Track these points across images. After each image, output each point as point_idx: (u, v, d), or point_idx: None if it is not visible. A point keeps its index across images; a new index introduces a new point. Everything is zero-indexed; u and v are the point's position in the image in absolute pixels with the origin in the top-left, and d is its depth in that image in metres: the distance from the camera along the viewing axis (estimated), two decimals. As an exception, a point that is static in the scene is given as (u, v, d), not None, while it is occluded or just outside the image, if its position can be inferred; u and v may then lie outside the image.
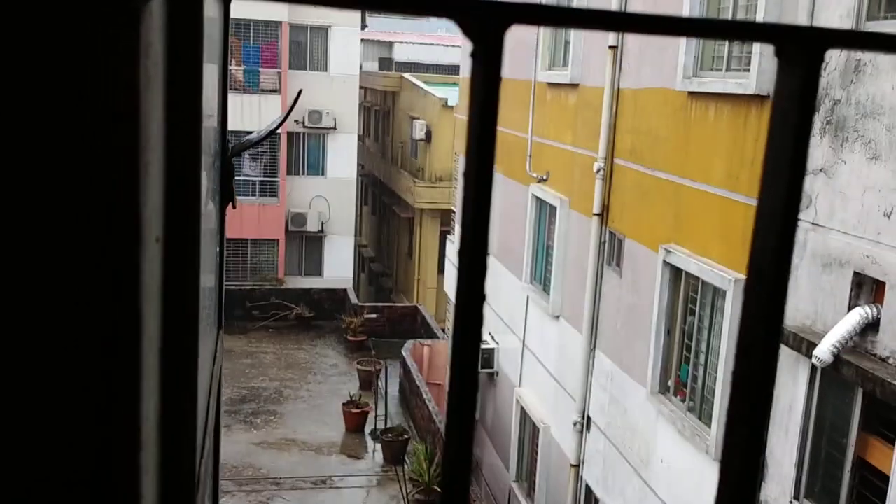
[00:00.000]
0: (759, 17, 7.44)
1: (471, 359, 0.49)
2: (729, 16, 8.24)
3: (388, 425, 17.75)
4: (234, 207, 1.68)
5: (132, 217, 0.50)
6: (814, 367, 6.56)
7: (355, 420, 18.16)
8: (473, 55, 0.48)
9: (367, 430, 18.11)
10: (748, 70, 7.73)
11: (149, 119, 0.53)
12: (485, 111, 0.48)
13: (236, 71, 25.57)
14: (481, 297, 0.48)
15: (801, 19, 6.90)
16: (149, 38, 0.52)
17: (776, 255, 0.55)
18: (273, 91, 25.63)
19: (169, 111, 0.65)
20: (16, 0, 0.47)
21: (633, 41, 10.13)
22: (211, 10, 1.22)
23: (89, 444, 0.53)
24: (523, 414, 13.51)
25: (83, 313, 0.50)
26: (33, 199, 0.48)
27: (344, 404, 18.41)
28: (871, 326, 6.08)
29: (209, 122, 1.40)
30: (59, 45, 0.47)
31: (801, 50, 0.51)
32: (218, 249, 1.55)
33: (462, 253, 0.47)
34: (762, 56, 7.41)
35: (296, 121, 26.04)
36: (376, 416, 18.02)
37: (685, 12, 8.65)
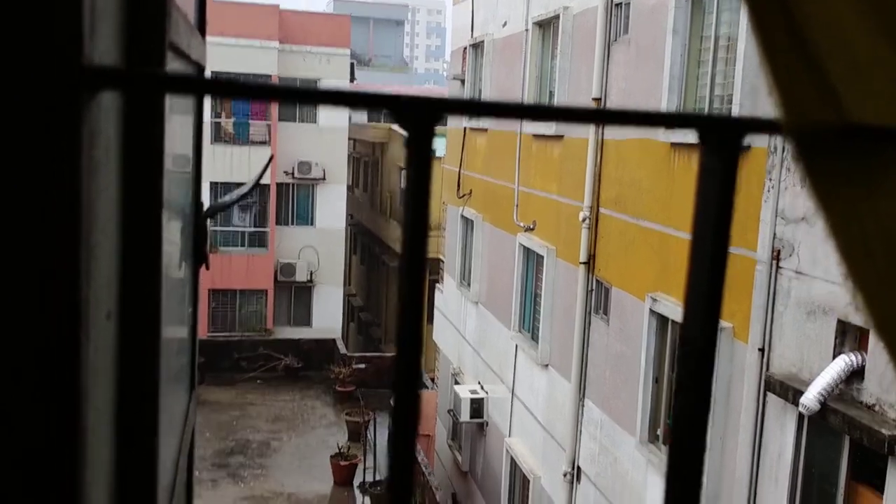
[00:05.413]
0: (737, 95, 7.58)
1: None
2: (707, 83, 8.39)
3: (378, 478, 17.53)
4: (207, 269, 1.69)
5: (72, 296, 0.52)
6: (801, 416, 6.56)
7: (344, 472, 17.92)
8: (407, 144, 0.51)
9: (356, 482, 17.87)
10: (729, 121, 7.84)
11: (94, 202, 0.55)
12: (418, 193, 0.51)
13: (226, 123, 25.76)
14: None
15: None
16: (97, 127, 0.54)
17: (704, 331, 0.57)
18: (262, 143, 25.83)
19: (126, 192, 0.67)
20: None
21: (616, 94, 10.29)
22: (185, 67, 1.26)
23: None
24: (513, 464, 13.38)
25: (15, 394, 0.51)
26: None
27: (332, 456, 18.19)
28: (857, 374, 6.10)
29: (182, 184, 1.42)
30: None
31: (721, 136, 0.54)
32: (191, 310, 1.57)
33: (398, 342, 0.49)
34: (742, 106, 7.54)
35: (285, 172, 26.19)
36: (365, 469, 17.81)
37: (664, 95, 8.82)
